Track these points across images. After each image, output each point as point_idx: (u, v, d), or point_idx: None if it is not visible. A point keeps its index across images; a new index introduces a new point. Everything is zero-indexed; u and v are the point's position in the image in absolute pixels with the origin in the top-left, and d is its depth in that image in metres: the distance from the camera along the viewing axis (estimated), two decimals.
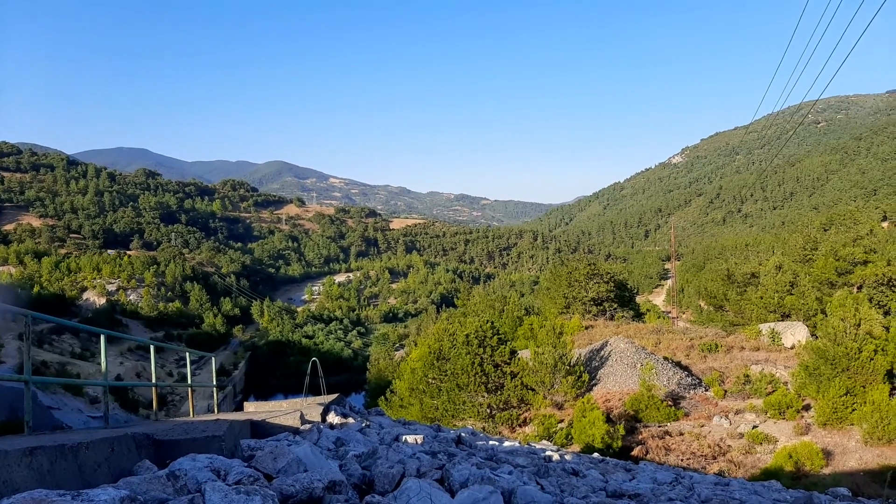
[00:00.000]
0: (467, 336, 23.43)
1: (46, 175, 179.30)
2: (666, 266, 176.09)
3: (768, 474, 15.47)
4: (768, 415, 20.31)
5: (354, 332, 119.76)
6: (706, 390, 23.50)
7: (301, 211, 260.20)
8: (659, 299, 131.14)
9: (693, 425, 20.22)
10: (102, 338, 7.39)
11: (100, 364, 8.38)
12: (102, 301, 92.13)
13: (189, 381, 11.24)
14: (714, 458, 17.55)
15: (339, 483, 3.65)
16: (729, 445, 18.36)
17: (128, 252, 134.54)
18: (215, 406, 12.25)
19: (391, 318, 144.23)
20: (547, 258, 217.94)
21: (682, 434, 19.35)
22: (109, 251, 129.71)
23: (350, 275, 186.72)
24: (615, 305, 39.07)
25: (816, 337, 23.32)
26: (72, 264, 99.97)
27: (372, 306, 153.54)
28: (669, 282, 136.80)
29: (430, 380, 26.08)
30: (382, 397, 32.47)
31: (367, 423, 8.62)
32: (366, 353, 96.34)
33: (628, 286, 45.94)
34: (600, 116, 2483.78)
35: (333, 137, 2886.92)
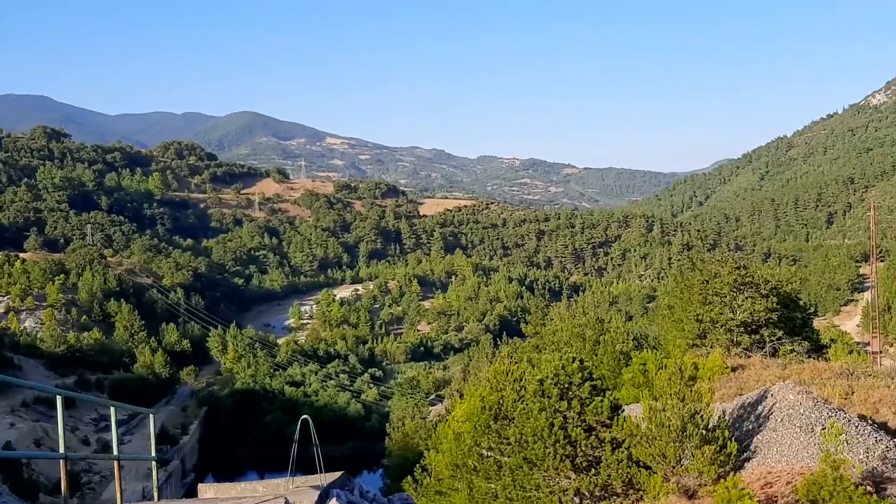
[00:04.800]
0: (542, 382, 23.34)
1: None
2: (862, 270, 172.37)
3: None
4: None
5: (366, 376, 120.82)
6: None
7: (283, 188, 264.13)
8: (851, 323, 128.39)
9: None
10: None
11: None
12: None
13: (115, 452, 11.45)
14: None
15: None
16: None
17: (20, 254, 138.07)
18: (155, 490, 12.45)
19: (423, 353, 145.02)
20: (669, 258, 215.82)
21: None
22: None
23: (358, 287, 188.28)
24: (780, 334, 38.39)
25: None
26: None
27: (393, 336, 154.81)
28: (867, 295, 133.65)
29: (484, 451, 26.09)
30: (410, 477, 32.61)
31: None
32: (384, 410, 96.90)
33: (801, 303, 45.04)
34: (752, 39, 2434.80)
35: (332, 77, 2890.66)
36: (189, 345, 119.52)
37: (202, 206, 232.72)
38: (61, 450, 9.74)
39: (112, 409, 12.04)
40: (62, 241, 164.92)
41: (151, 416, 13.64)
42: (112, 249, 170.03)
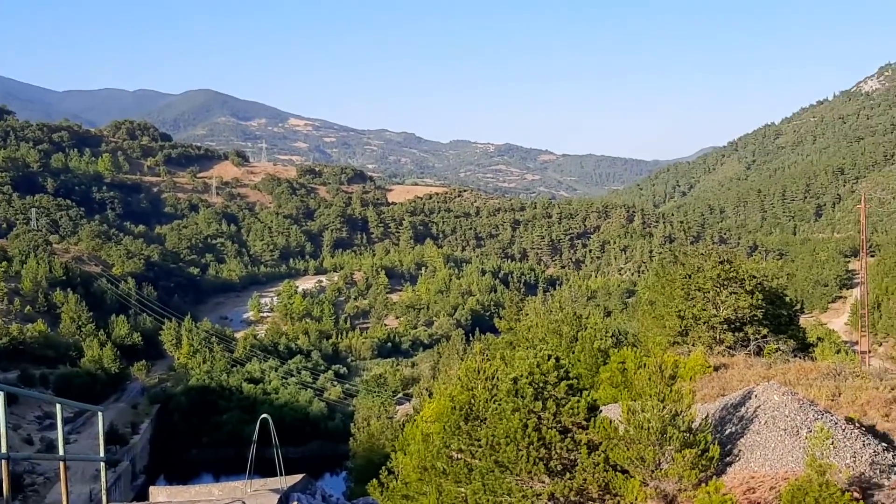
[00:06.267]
0: (516, 381, 23.42)
1: None
2: (851, 266, 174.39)
3: None
4: None
5: (330, 373, 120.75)
6: None
7: (242, 172, 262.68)
8: (839, 321, 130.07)
9: None
10: None
11: None
12: None
13: (61, 452, 11.39)
14: None
15: None
16: None
17: None
18: (103, 493, 12.37)
19: (390, 349, 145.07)
20: (650, 251, 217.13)
21: None
22: None
23: (322, 278, 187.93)
24: (764, 332, 38.76)
25: None
26: None
27: (358, 330, 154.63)
28: (856, 292, 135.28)
29: (454, 453, 26.17)
30: (375, 480, 32.79)
31: None
32: (349, 409, 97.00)
33: (787, 300, 45.51)
34: (739, 20, 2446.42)
35: (296, 55, 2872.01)
36: (140, 338, 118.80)
37: (155, 189, 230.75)
38: (3, 449, 9.63)
39: (58, 406, 11.93)
40: (4, 225, 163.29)
41: (100, 413, 13.53)
42: (58, 235, 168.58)
